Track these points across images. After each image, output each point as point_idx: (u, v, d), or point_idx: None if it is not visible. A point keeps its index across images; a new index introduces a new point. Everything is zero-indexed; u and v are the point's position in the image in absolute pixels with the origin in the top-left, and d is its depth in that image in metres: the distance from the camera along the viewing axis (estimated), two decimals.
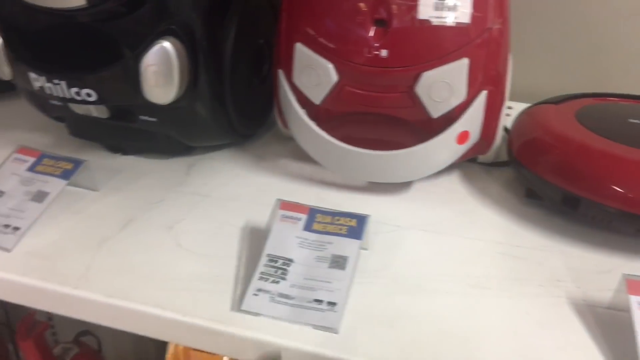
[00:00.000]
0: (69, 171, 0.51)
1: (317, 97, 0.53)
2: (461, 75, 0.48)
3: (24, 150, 0.54)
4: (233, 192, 0.55)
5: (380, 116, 0.52)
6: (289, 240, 0.44)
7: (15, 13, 0.53)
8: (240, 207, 0.53)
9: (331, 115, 0.54)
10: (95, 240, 0.48)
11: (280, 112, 0.59)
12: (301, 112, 0.54)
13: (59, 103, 0.57)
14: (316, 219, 0.45)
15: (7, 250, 0.46)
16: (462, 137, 0.51)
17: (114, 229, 0.49)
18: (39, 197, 0.49)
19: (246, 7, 0.56)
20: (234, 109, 0.58)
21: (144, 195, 0.54)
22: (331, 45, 0.50)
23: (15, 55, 0.52)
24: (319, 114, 0.54)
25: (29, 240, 0.47)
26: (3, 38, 0.53)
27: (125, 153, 0.61)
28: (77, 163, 0.52)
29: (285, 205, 0.46)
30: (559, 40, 0.72)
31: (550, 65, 0.74)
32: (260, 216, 0.51)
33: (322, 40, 0.50)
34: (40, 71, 0.52)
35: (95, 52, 0.52)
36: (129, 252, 0.47)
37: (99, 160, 0.59)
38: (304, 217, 0.46)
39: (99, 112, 0.56)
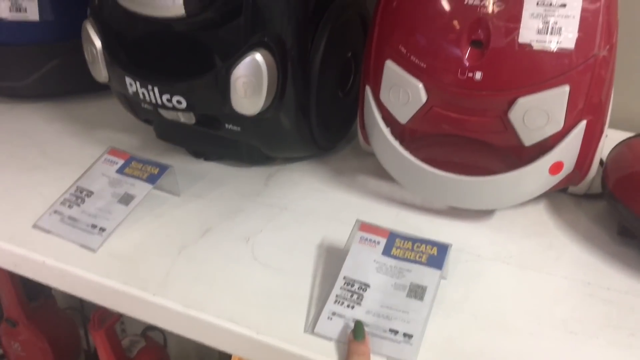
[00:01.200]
0: (154, 175, 0.53)
1: (403, 116, 0.51)
2: (560, 104, 0.46)
3: (114, 152, 0.55)
4: (311, 206, 0.55)
5: (469, 140, 0.50)
6: (367, 264, 0.43)
7: (115, 19, 0.55)
8: (318, 223, 0.52)
9: (416, 136, 0.53)
10: (175, 246, 0.49)
11: (363, 128, 0.58)
12: (386, 131, 0.52)
13: (150, 107, 0.58)
14: (395, 244, 0.44)
15: (93, 250, 0.48)
16: (556, 167, 0.48)
17: (194, 236, 0.50)
18: (126, 199, 0.51)
19: (337, 20, 0.55)
20: (317, 122, 0.57)
21: (223, 204, 0.55)
22: (422, 65, 0.48)
23: (113, 59, 0.54)
24: (404, 133, 0.53)
25: (113, 241, 0.49)
26: (102, 42, 0.55)
27: (208, 159, 0.62)
28: (163, 168, 0.53)
29: (365, 227, 0.45)
30: None
31: None
32: (337, 234, 0.50)
33: (413, 58, 0.49)
34: (134, 76, 0.53)
35: (188, 60, 0.53)
36: (207, 261, 0.47)
37: (181, 165, 0.60)
38: (383, 240, 0.44)
39: (187, 118, 0.57)
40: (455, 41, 0.47)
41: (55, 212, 0.51)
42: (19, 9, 0.66)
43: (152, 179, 0.52)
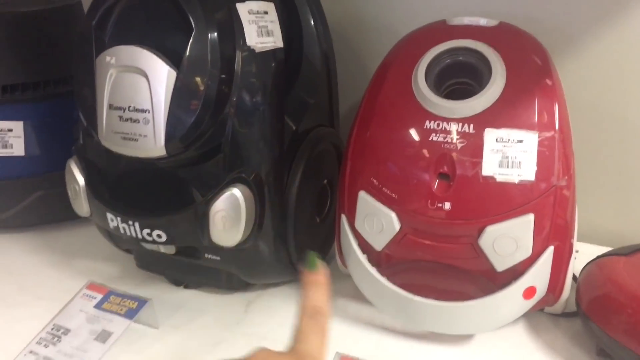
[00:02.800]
0: (132, 310, 0.53)
1: (379, 243, 0.53)
2: (527, 231, 0.48)
3: (93, 286, 0.56)
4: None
5: (443, 265, 0.52)
6: None
7: (98, 157, 0.57)
8: None
9: (392, 261, 0.54)
10: None
11: (341, 253, 0.59)
12: (362, 258, 0.54)
13: (130, 239, 0.59)
14: None
15: None
16: (529, 292, 0.50)
17: None
18: (103, 336, 0.50)
19: (312, 152, 0.58)
20: (295, 248, 0.59)
21: (203, 335, 0.54)
22: (394, 196, 0.51)
23: (95, 195, 0.56)
24: (380, 259, 0.55)
25: None
26: (85, 179, 0.56)
27: (188, 287, 0.63)
28: (141, 302, 0.53)
29: None
30: (624, 182, 0.71)
31: (615, 206, 0.72)
32: None
33: (385, 189, 0.51)
34: (116, 212, 0.54)
35: (168, 194, 0.55)
36: None
37: (161, 294, 0.60)
38: None
39: (167, 249, 0.58)
40: (423, 174, 0.50)
41: (31, 352, 0.50)
42: (5, 146, 0.69)
43: (130, 314, 0.52)
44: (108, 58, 0.51)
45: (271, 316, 0.58)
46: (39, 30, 0.70)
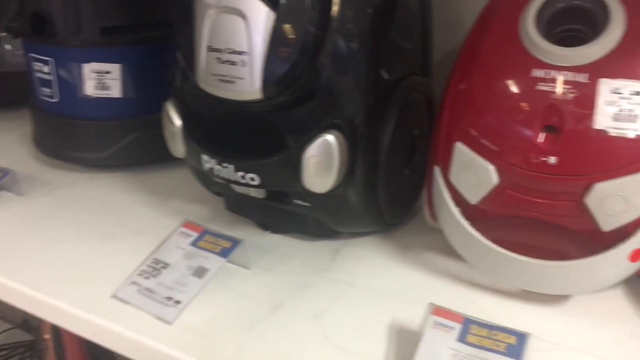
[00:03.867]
0: (227, 249, 0.54)
1: (473, 197, 0.51)
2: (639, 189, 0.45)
3: (188, 224, 0.58)
4: (378, 284, 0.55)
5: (542, 222, 0.50)
6: (442, 351, 0.42)
7: (194, 100, 0.58)
8: (387, 302, 0.52)
9: (487, 216, 0.53)
10: (247, 321, 0.49)
11: (430, 205, 0.58)
12: (456, 212, 0.53)
13: (223, 182, 0.61)
14: (471, 331, 0.43)
15: (169, 323, 0.49)
16: (636, 254, 0.47)
17: (264, 312, 0.51)
18: (200, 272, 0.52)
19: (405, 101, 0.57)
20: (384, 199, 0.58)
21: (292, 279, 0.56)
22: (494, 148, 0.49)
23: (191, 137, 0.57)
24: (474, 213, 0.53)
25: (187, 314, 0.50)
26: (182, 121, 0.58)
27: (276, 232, 0.64)
28: (235, 242, 0.55)
29: (439, 311, 0.45)
30: None
31: None
32: (408, 315, 0.50)
33: (484, 141, 0.49)
34: (212, 154, 0.56)
35: (261, 138, 0.55)
36: (278, 340, 0.48)
37: (250, 237, 0.62)
38: (458, 326, 0.44)
39: (257, 193, 0.59)
40: (527, 125, 0.47)
41: (133, 283, 0.52)
42: (103, 87, 0.71)
43: (224, 253, 0.54)
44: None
45: (358, 265, 0.58)
46: None
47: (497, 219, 0.52)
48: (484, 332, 0.43)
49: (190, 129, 0.57)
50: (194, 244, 0.55)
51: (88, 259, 0.59)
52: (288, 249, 0.61)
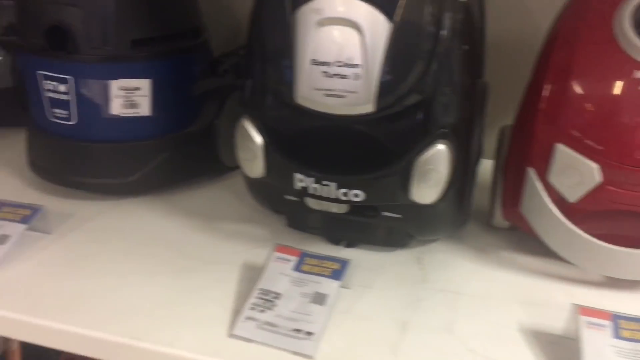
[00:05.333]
0: (337, 271, 0.52)
1: (573, 195, 0.53)
2: None
3: (282, 249, 0.54)
4: (481, 289, 0.55)
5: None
6: (605, 349, 0.44)
7: (276, 115, 0.54)
8: (502, 306, 0.53)
9: (583, 213, 0.55)
10: (385, 345, 0.48)
11: (508, 205, 0.60)
12: (556, 211, 0.54)
13: (294, 198, 0.58)
14: (621, 326, 0.45)
15: (310, 357, 0.46)
16: None
17: (395, 332, 0.49)
18: (319, 299, 0.49)
19: (484, 105, 0.57)
20: (469, 203, 0.58)
21: (398, 294, 0.54)
22: (599, 147, 0.51)
23: (280, 155, 0.54)
24: (570, 211, 0.55)
25: (322, 345, 0.47)
26: (263, 139, 0.54)
27: (350, 245, 0.62)
28: (344, 263, 0.52)
29: (586, 311, 0.46)
30: None
31: None
32: (533, 317, 0.51)
33: (588, 142, 0.51)
34: (309, 172, 0.53)
35: (358, 153, 0.53)
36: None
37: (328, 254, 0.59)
38: (608, 323, 0.45)
39: (339, 208, 0.57)
40: (632, 124, 0.50)
41: (249, 318, 0.48)
42: (132, 106, 0.65)
43: (336, 275, 0.51)
44: (313, 10, 0.48)
45: (449, 271, 0.58)
46: None
47: (594, 214, 0.54)
48: (633, 325, 0.45)
49: (277, 147, 0.54)
50: (297, 268, 0.52)
51: (170, 297, 0.53)
52: (371, 262, 0.59)
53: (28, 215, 0.59)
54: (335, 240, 0.62)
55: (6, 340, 1.02)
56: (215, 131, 0.71)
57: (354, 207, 0.57)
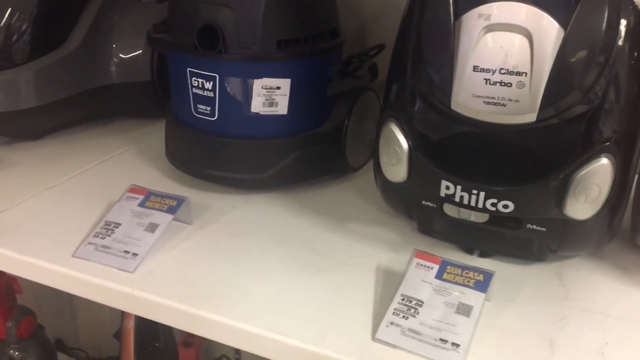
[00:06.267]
0: (481, 283, 0.51)
1: None
2: None
3: (422, 255, 0.54)
4: (631, 311, 0.52)
5: None
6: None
7: (425, 120, 0.54)
8: None
9: None
10: None
11: None
12: None
13: (432, 205, 0.57)
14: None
15: None
16: None
17: (544, 351, 0.48)
18: (465, 310, 0.49)
19: None
20: (621, 217, 0.55)
21: (541, 310, 0.52)
22: None
23: (428, 160, 0.53)
24: None
25: (469, 358, 0.46)
26: (411, 143, 0.54)
27: (485, 255, 0.60)
28: (487, 275, 0.51)
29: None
30: None
31: None
32: None
33: None
34: (457, 179, 0.52)
35: (509, 164, 0.52)
36: None
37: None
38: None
39: (479, 217, 0.55)
40: None
41: (392, 323, 0.48)
42: (271, 104, 0.66)
43: (479, 286, 0.50)
44: (479, 15, 0.47)
45: (594, 290, 0.56)
46: None
47: None
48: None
49: (425, 152, 0.53)
50: (439, 277, 0.52)
51: (310, 296, 0.54)
52: (508, 275, 0.57)
53: (174, 206, 0.62)
54: (469, 250, 0.61)
55: (123, 319, 1.08)
56: (344, 132, 0.72)
57: (494, 217, 0.55)
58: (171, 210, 0.61)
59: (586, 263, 0.60)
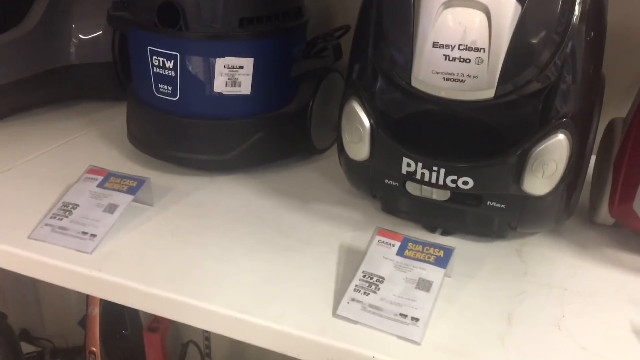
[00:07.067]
0: (441, 259, 0.51)
1: None
2: None
3: (384, 232, 0.54)
4: (587, 286, 0.54)
5: None
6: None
7: (386, 98, 0.54)
8: (611, 305, 0.51)
9: None
10: (493, 335, 0.47)
11: (615, 202, 0.57)
12: None
13: (394, 183, 0.57)
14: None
15: (417, 343, 0.45)
16: None
17: (503, 324, 0.48)
18: (425, 285, 0.49)
19: (602, 95, 0.55)
20: (578, 194, 0.56)
21: (501, 286, 0.53)
22: None
23: (389, 138, 0.53)
24: None
25: (431, 333, 0.46)
26: (372, 122, 0.54)
27: (446, 233, 0.61)
28: (447, 251, 0.52)
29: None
30: None
31: None
32: None
33: None
34: (417, 156, 0.52)
35: (470, 140, 0.52)
36: (538, 356, 0.45)
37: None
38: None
39: (440, 195, 0.56)
40: None
41: (353, 300, 0.48)
42: (234, 84, 0.66)
43: (440, 262, 0.51)
44: None
45: (552, 266, 0.57)
46: None
47: None
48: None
49: (386, 130, 0.53)
50: (401, 253, 0.52)
51: (273, 275, 0.54)
52: (469, 252, 0.58)
53: (134, 186, 0.61)
54: (432, 228, 0.62)
55: (88, 305, 1.06)
56: (309, 112, 0.71)
57: (455, 194, 0.56)
58: (131, 190, 0.60)
59: (546, 240, 0.61)
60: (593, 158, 0.62)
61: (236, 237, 0.59)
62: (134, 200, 0.61)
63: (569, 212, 0.58)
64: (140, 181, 0.61)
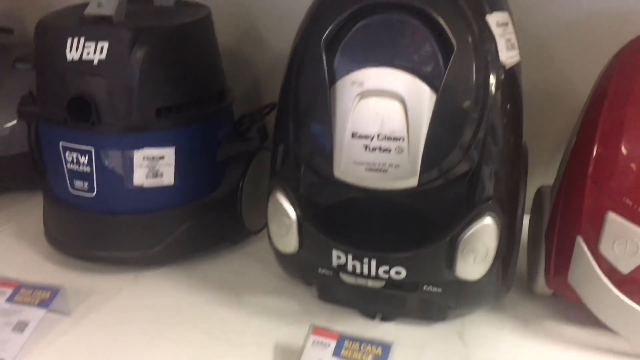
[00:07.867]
0: (379, 357, 0.48)
1: (627, 266, 0.50)
2: None
3: (319, 331, 0.51)
4: None
5: None
6: None
7: (312, 188, 0.52)
8: None
9: (638, 284, 0.52)
10: None
11: (553, 273, 0.56)
12: (607, 283, 0.51)
13: (329, 273, 0.55)
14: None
15: None
16: None
17: None
18: None
19: (526, 169, 0.55)
20: (512, 273, 0.55)
21: None
22: None
23: (317, 230, 0.51)
24: (622, 282, 0.52)
25: None
26: (299, 213, 0.51)
27: (387, 319, 0.58)
28: (385, 347, 0.49)
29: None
30: None
31: None
32: None
33: None
34: (347, 248, 0.50)
35: (399, 228, 0.50)
36: None
37: (362, 329, 0.56)
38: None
39: (375, 283, 0.54)
40: None
41: None
42: (155, 175, 0.62)
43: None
44: (353, 82, 0.46)
45: (495, 348, 0.55)
46: (187, 45, 0.63)
47: None
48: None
49: (313, 222, 0.51)
50: (337, 354, 0.49)
51: None
52: (410, 339, 0.56)
53: (46, 298, 0.56)
54: (370, 314, 0.59)
55: None
56: (238, 196, 0.69)
57: (392, 282, 0.54)
58: (44, 304, 0.55)
59: (487, 317, 0.59)
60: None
61: (163, 346, 0.55)
62: (50, 311, 0.55)
63: (507, 286, 0.57)
64: (54, 291, 0.56)
